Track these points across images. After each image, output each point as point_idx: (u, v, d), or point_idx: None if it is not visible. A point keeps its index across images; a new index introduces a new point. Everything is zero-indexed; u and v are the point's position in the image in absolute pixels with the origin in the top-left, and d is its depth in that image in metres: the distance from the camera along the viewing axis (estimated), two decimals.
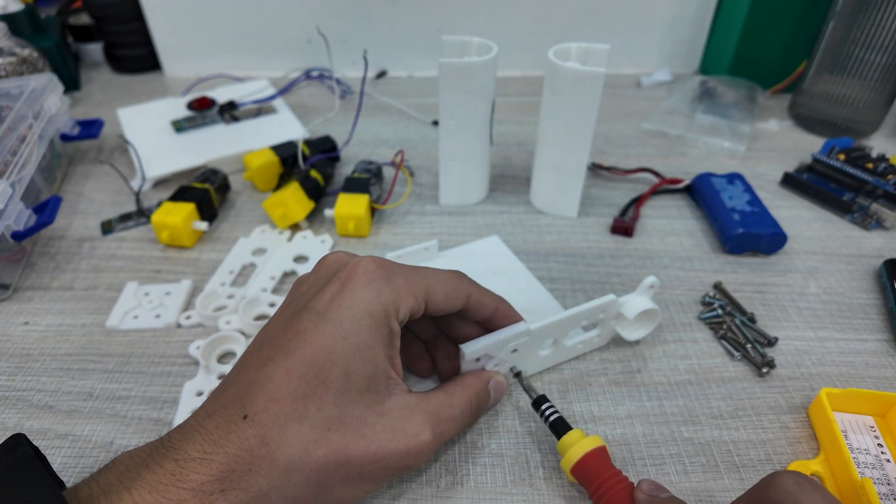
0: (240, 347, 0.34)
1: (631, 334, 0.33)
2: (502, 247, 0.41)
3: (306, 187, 0.43)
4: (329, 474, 0.21)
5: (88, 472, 0.28)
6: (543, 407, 0.28)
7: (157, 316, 0.36)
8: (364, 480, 0.22)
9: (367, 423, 0.22)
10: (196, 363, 0.33)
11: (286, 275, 0.40)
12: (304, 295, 0.25)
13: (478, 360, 0.28)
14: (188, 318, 0.36)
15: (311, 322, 0.22)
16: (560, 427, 0.27)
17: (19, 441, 0.21)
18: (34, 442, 0.29)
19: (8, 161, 0.39)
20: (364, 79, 0.46)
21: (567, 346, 0.32)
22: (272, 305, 0.37)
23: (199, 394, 0.31)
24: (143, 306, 0.37)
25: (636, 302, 0.31)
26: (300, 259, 0.41)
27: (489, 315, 0.28)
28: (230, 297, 0.37)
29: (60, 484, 0.23)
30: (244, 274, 0.40)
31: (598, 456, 0.25)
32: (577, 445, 0.25)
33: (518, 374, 0.30)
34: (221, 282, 0.38)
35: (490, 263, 0.40)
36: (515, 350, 0.29)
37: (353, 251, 0.37)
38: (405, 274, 0.25)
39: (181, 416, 0.30)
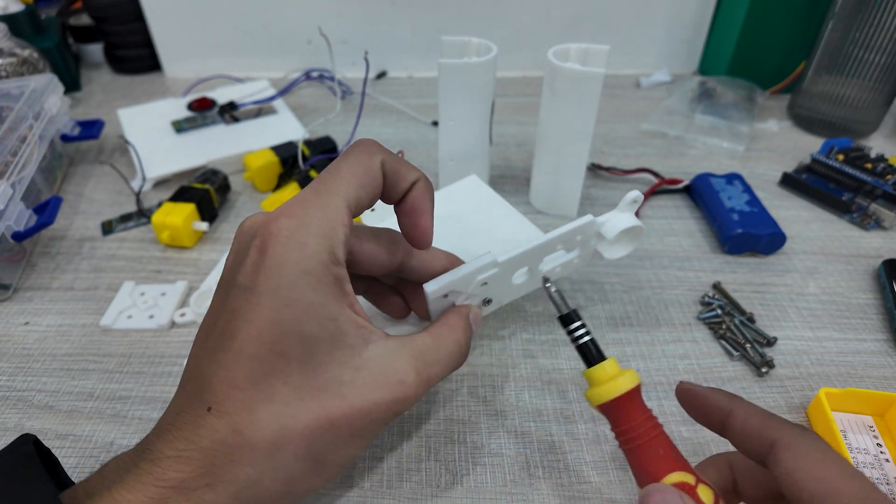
0: None
1: (613, 253, 0.32)
2: (481, 185, 0.39)
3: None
4: (318, 443, 0.21)
5: (89, 472, 0.28)
6: (573, 326, 0.23)
7: (151, 317, 0.36)
8: (357, 437, 0.22)
9: (345, 381, 0.21)
10: None
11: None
12: (230, 270, 0.22)
13: (445, 296, 0.26)
14: (182, 315, 0.36)
15: (243, 299, 0.20)
16: (592, 353, 0.23)
17: (25, 441, 0.21)
18: None
19: (8, 161, 0.39)
20: (365, 79, 0.47)
21: (543, 271, 0.30)
22: None
23: None
24: (138, 306, 0.37)
25: (617, 220, 0.29)
26: None
27: (412, 181, 0.25)
28: None
29: (68, 483, 0.22)
30: None
31: (634, 396, 0.22)
32: (612, 383, 0.21)
33: (547, 286, 0.25)
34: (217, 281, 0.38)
35: (471, 203, 0.37)
36: (486, 283, 0.27)
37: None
38: (321, 209, 0.21)
39: None
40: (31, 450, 0.20)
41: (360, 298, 0.30)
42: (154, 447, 0.20)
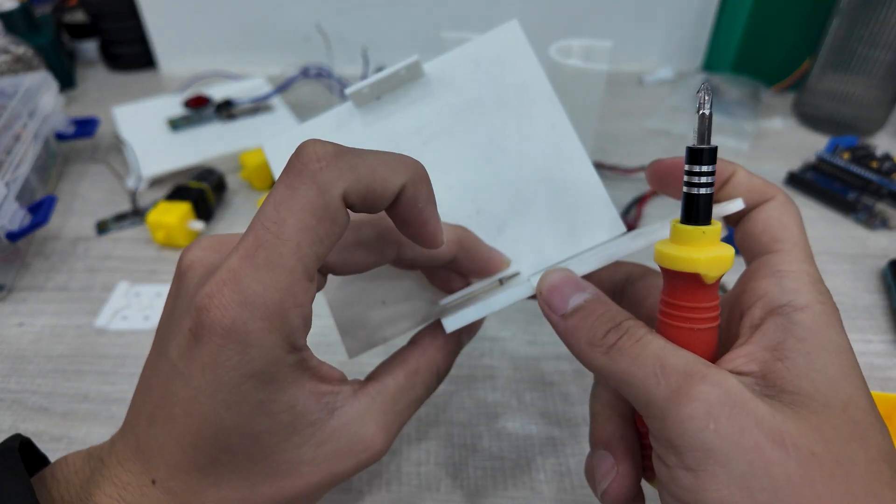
0: None
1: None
2: (524, 46, 0.25)
3: None
4: None
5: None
6: (706, 170, 0.17)
7: (146, 318, 0.35)
8: (314, 501, 0.20)
9: (304, 461, 0.18)
10: None
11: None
12: (164, 323, 0.19)
13: None
14: None
15: (179, 385, 0.17)
16: (700, 210, 0.17)
17: (13, 438, 0.20)
18: None
19: (2, 160, 0.39)
20: (364, 77, 0.46)
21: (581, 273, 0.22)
22: None
23: None
24: (133, 307, 0.36)
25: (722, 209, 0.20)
26: None
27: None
28: None
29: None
30: None
31: (717, 282, 0.18)
32: (708, 251, 0.17)
33: (700, 105, 0.18)
34: None
35: (499, 86, 0.24)
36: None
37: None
38: (262, 288, 0.16)
39: None
40: (11, 446, 0.19)
41: None
42: (97, 488, 0.18)
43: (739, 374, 0.16)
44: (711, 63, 0.65)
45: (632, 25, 0.63)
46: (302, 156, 0.16)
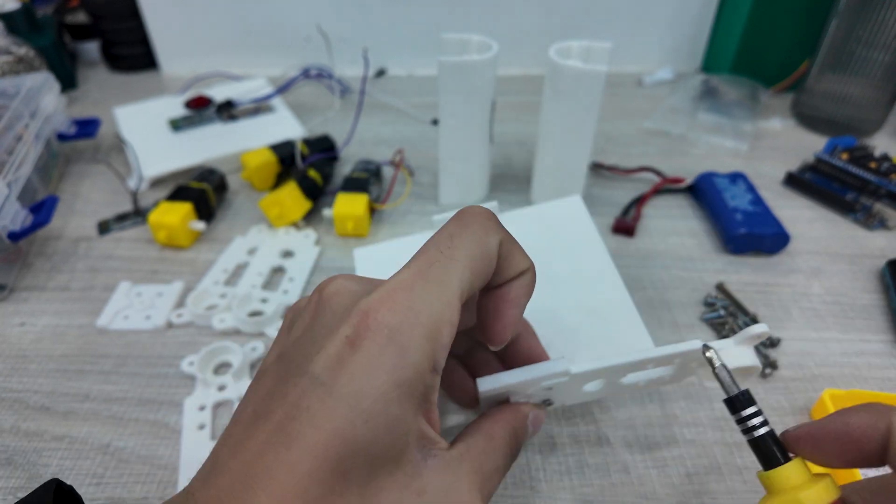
0: (234, 357, 0.33)
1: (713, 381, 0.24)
2: (582, 212, 0.32)
3: (304, 187, 0.42)
4: None
5: (85, 474, 0.27)
6: (747, 413, 0.19)
7: (148, 317, 0.36)
8: None
9: None
10: (192, 377, 0.32)
11: (274, 271, 0.40)
12: (299, 346, 0.19)
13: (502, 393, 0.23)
14: (179, 315, 0.36)
15: (315, 397, 0.17)
16: (771, 451, 0.18)
17: (47, 486, 0.19)
18: (29, 443, 0.29)
19: (4, 161, 0.39)
20: (365, 77, 0.46)
21: (624, 384, 0.25)
22: (264, 301, 0.36)
23: (202, 408, 0.30)
24: (135, 307, 0.36)
25: (732, 354, 0.23)
26: (287, 254, 0.41)
27: (516, 272, 0.22)
28: (222, 295, 0.37)
29: None
30: (238, 273, 0.39)
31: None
32: (800, 495, 0.17)
33: (708, 352, 0.21)
34: (215, 280, 0.38)
35: (562, 233, 0.31)
36: (550, 388, 0.23)
37: (352, 251, 0.36)
38: (430, 303, 0.18)
39: (188, 433, 0.29)
40: (50, 494, 0.18)
41: None
42: None
43: None
44: (710, 64, 0.65)
45: (631, 26, 0.64)
46: (470, 209, 0.20)
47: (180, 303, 0.37)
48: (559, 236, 0.31)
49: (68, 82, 0.62)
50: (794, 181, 0.47)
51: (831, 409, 0.28)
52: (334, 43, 0.60)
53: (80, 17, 0.69)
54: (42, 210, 0.39)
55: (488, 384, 0.22)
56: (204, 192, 0.43)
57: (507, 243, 0.20)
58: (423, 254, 0.19)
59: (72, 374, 0.33)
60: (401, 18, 0.63)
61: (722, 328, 0.35)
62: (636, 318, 0.29)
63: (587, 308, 0.26)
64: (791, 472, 0.17)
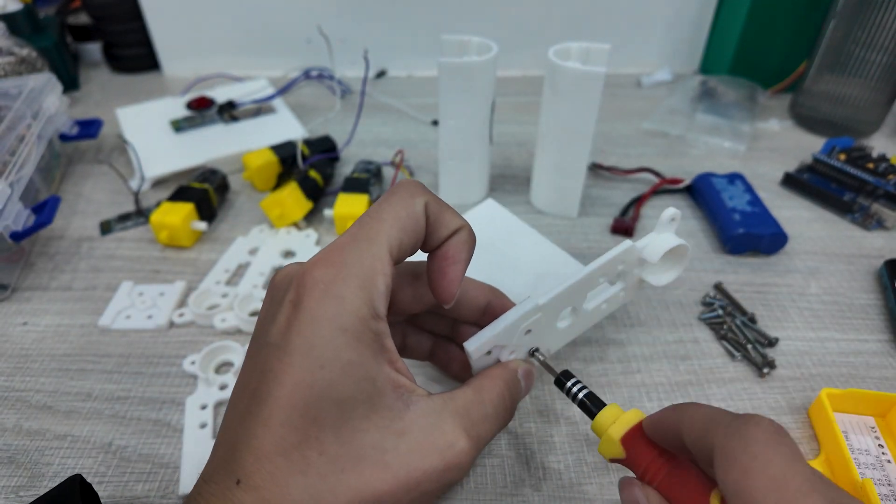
0: (235, 356, 0.33)
1: (660, 279, 0.29)
2: (500, 210, 0.37)
3: (304, 187, 0.43)
4: None
5: (87, 472, 0.28)
6: (569, 384, 0.24)
7: (150, 317, 0.36)
8: None
9: (387, 448, 0.19)
10: (194, 376, 0.33)
11: (275, 271, 0.40)
12: (262, 325, 0.21)
13: (489, 353, 0.25)
14: (181, 315, 0.36)
15: (274, 359, 0.19)
16: (592, 404, 0.23)
17: (72, 481, 0.20)
18: (32, 442, 0.29)
19: (7, 161, 0.39)
20: (365, 78, 0.46)
21: (589, 310, 0.28)
22: None
23: (203, 407, 0.31)
24: (137, 306, 0.37)
25: (659, 241, 0.27)
26: (288, 254, 0.41)
27: (454, 229, 0.23)
28: (224, 295, 0.37)
29: None
30: (240, 273, 0.40)
31: (638, 435, 0.21)
32: (618, 425, 0.21)
33: (534, 353, 0.26)
34: (216, 280, 0.38)
35: (492, 231, 0.36)
36: (529, 331, 0.25)
37: None
38: (360, 256, 0.20)
39: (189, 432, 0.29)
40: (75, 488, 0.19)
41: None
42: None
43: None
44: (709, 65, 0.65)
45: (630, 28, 0.64)
46: (399, 182, 0.23)
47: (182, 302, 0.37)
48: (494, 235, 0.35)
49: (70, 83, 0.62)
50: (792, 182, 0.47)
51: (829, 409, 0.29)
52: (335, 44, 0.60)
53: (83, 18, 0.69)
54: (44, 210, 0.39)
55: (473, 342, 0.24)
56: (206, 192, 0.43)
57: (435, 204, 0.22)
58: (355, 222, 0.21)
59: (74, 374, 0.33)
60: (401, 20, 0.63)
61: (720, 328, 0.35)
62: (573, 262, 0.34)
63: (538, 274, 0.28)
64: (605, 413, 0.22)
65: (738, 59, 0.61)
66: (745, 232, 0.39)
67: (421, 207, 0.22)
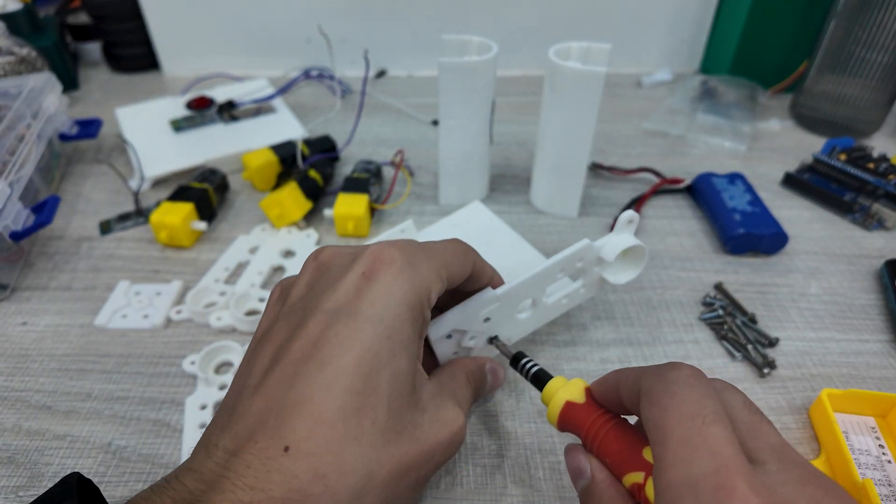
0: (235, 356, 0.33)
1: (618, 278, 0.31)
2: (485, 211, 0.39)
3: (304, 187, 0.42)
4: (393, 493, 0.19)
5: (86, 473, 0.28)
6: (522, 362, 0.26)
7: (146, 316, 0.36)
8: (419, 484, 0.20)
9: (417, 423, 0.20)
10: (194, 376, 0.33)
11: (274, 270, 0.40)
12: (306, 300, 0.21)
13: (449, 336, 0.26)
14: (178, 312, 0.36)
15: (342, 324, 0.19)
16: (541, 378, 0.25)
17: (68, 479, 0.19)
18: (31, 442, 0.29)
19: (6, 161, 0.39)
20: (365, 79, 0.46)
21: (549, 304, 0.30)
22: (262, 300, 0.36)
23: (203, 407, 0.31)
24: (133, 305, 0.36)
25: (616, 241, 0.29)
26: (288, 254, 0.41)
27: (486, 282, 0.26)
28: (222, 293, 0.37)
29: None
30: (239, 272, 0.40)
31: (580, 402, 0.23)
32: (560, 392, 0.23)
33: (493, 339, 0.28)
34: (216, 278, 0.38)
35: (475, 230, 0.38)
36: (488, 319, 0.27)
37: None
38: (426, 255, 0.22)
39: (189, 432, 0.29)
40: (72, 487, 0.19)
41: None
42: (205, 498, 0.16)
43: None
44: (709, 65, 0.65)
45: (630, 28, 0.64)
46: (455, 238, 0.26)
47: (179, 301, 0.37)
48: (473, 234, 0.37)
49: (70, 83, 0.62)
50: (793, 182, 0.47)
51: (829, 409, 0.29)
52: (335, 44, 0.60)
53: (82, 18, 0.69)
54: (44, 210, 0.39)
55: (434, 329, 0.25)
56: (205, 192, 0.43)
57: (480, 261, 0.26)
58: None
59: (73, 374, 0.33)
60: (401, 20, 0.63)
61: (720, 328, 0.35)
62: (545, 259, 0.33)
63: (508, 271, 0.29)
64: (552, 384, 0.24)
65: (739, 59, 0.61)
66: (746, 232, 0.39)
67: (471, 258, 0.25)
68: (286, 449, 0.17)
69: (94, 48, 0.70)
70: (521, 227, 0.43)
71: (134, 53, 0.67)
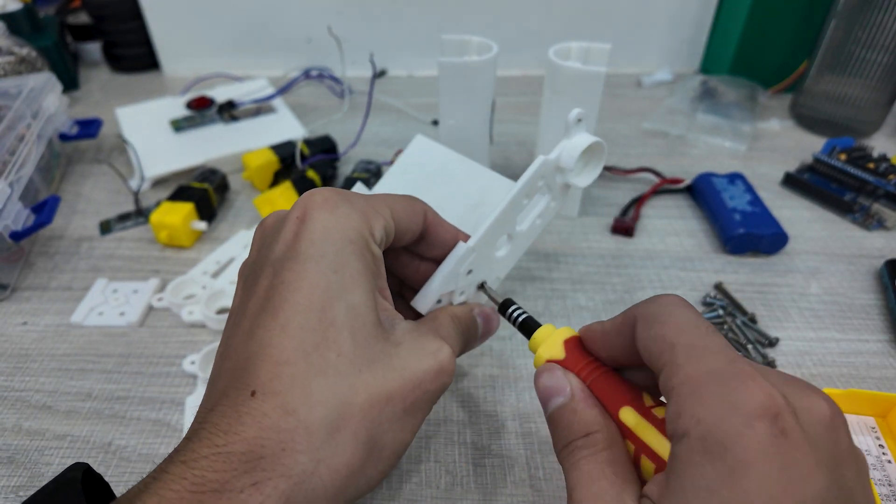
0: None
1: (582, 180, 0.29)
2: (432, 145, 0.36)
3: (300, 187, 0.43)
4: (376, 422, 0.19)
5: None
6: (510, 310, 0.25)
7: (122, 314, 0.36)
8: (409, 414, 0.20)
9: (392, 353, 0.20)
10: (194, 376, 0.33)
11: None
12: (258, 256, 0.21)
13: (439, 302, 0.26)
14: (160, 300, 0.37)
15: (286, 270, 0.19)
16: (529, 326, 0.24)
17: (75, 468, 0.19)
18: (31, 442, 0.29)
19: (6, 160, 0.39)
20: (373, 81, 0.46)
21: (524, 230, 0.29)
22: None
23: None
24: (110, 303, 0.37)
25: (571, 145, 0.27)
26: None
27: (450, 241, 0.25)
28: (204, 287, 0.37)
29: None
30: (228, 266, 0.40)
31: (572, 348, 0.22)
32: (549, 339, 0.22)
33: (481, 285, 0.27)
34: (204, 271, 0.39)
35: (428, 169, 0.35)
36: (471, 271, 0.26)
37: None
38: (363, 197, 0.22)
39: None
40: (77, 476, 0.19)
41: None
42: (187, 448, 0.17)
43: (649, 497, 0.17)
44: (709, 65, 0.65)
45: (630, 28, 0.64)
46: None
47: (158, 299, 0.37)
48: (429, 171, 0.35)
49: (70, 83, 0.62)
50: (793, 182, 0.47)
51: None
52: (335, 44, 0.60)
53: (82, 18, 0.69)
54: (44, 210, 0.39)
55: (420, 300, 0.25)
56: (205, 192, 0.43)
57: (434, 214, 0.25)
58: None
59: (74, 374, 0.33)
60: (401, 20, 0.63)
61: (720, 328, 0.35)
62: (507, 183, 0.32)
63: (474, 204, 0.28)
64: (540, 332, 0.23)
65: (739, 59, 0.61)
66: (746, 232, 0.39)
67: (421, 207, 0.24)
68: (253, 393, 0.18)
69: (94, 48, 0.70)
70: None
71: (134, 53, 0.67)
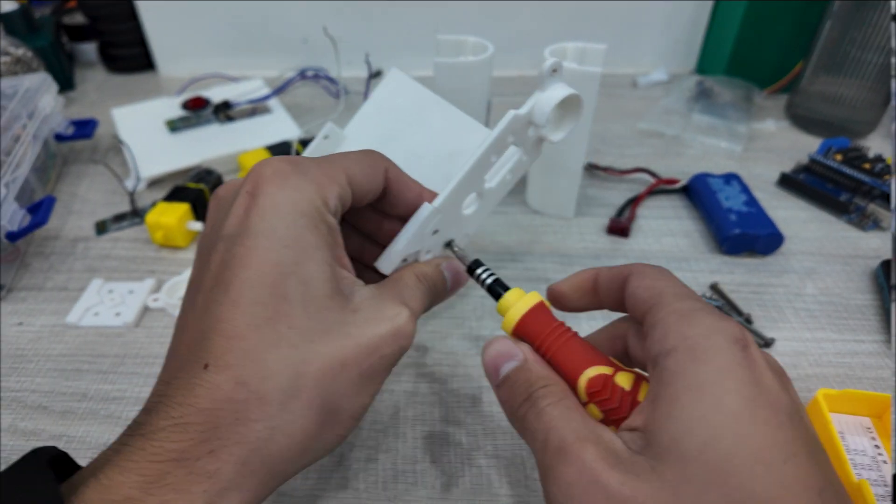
0: None
1: (557, 134, 0.27)
2: (407, 81, 0.34)
3: None
4: (331, 388, 0.19)
5: None
6: (478, 271, 0.24)
7: (118, 314, 0.36)
8: (367, 380, 0.20)
9: (347, 322, 0.20)
10: None
11: None
12: (211, 230, 0.21)
13: (404, 260, 0.25)
14: (156, 300, 0.37)
15: (238, 245, 0.19)
16: (498, 288, 0.23)
17: (43, 450, 0.19)
18: (27, 442, 0.29)
19: (2, 161, 0.39)
20: (368, 82, 0.46)
21: (494, 187, 0.27)
22: None
23: None
24: (105, 304, 0.37)
25: (544, 99, 0.25)
26: None
27: (414, 199, 0.24)
28: None
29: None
30: None
31: (539, 312, 0.22)
32: (517, 305, 0.22)
33: (449, 244, 0.26)
34: None
35: (404, 111, 0.33)
36: (437, 231, 0.25)
37: None
38: (316, 163, 0.22)
39: None
40: (43, 456, 0.18)
41: None
42: (145, 420, 0.18)
43: (631, 430, 0.18)
44: (705, 65, 0.66)
45: (626, 28, 0.64)
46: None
47: (153, 300, 0.37)
48: (403, 115, 0.33)
49: (66, 83, 0.62)
50: (789, 182, 0.47)
51: (825, 410, 0.29)
52: (331, 44, 0.60)
53: (78, 18, 0.69)
54: (40, 210, 0.39)
55: (383, 261, 0.24)
56: (201, 192, 0.43)
57: (396, 170, 0.24)
58: None
59: (69, 374, 0.33)
60: (397, 20, 0.63)
61: None
62: (484, 130, 0.30)
63: (450, 153, 0.27)
64: (509, 296, 0.23)
65: (735, 60, 0.61)
66: (742, 232, 0.39)
67: (381, 164, 0.23)
68: (206, 366, 0.18)
69: (90, 49, 0.70)
70: (517, 227, 0.43)
71: (130, 54, 0.67)
